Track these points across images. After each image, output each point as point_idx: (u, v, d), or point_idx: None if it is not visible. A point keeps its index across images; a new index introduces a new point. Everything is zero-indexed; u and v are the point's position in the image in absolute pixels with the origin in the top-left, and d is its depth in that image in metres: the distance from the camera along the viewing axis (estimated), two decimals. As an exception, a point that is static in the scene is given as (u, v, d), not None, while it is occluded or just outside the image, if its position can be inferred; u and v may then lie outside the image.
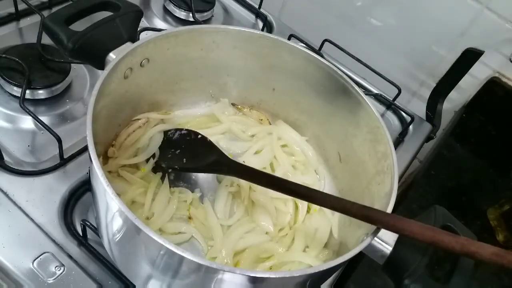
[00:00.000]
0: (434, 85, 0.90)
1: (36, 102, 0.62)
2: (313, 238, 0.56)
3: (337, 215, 0.58)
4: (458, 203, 0.82)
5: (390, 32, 0.93)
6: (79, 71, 0.69)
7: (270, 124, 0.68)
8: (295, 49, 0.59)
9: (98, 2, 0.53)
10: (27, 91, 0.60)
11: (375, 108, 0.54)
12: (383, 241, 0.44)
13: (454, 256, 0.44)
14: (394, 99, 0.85)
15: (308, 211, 0.59)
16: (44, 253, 0.49)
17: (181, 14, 0.85)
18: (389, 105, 0.86)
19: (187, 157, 0.57)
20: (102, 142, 0.55)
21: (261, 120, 0.68)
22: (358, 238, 0.47)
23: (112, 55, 0.49)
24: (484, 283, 0.73)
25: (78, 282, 0.48)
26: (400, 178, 0.74)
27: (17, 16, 0.72)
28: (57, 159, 0.57)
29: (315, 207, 0.59)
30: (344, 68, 0.87)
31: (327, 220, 0.58)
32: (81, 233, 0.52)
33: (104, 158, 0.56)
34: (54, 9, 0.72)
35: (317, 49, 0.86)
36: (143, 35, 0.70)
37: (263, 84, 0.65)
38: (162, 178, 0.56)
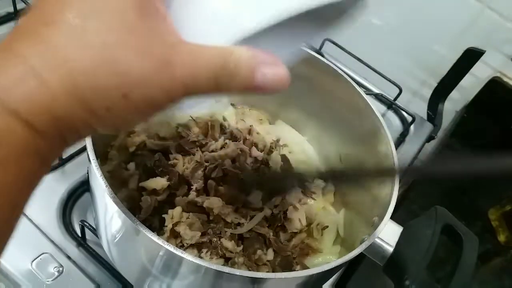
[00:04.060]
0: (435, 84, 0.89)
1: (35, 102, 0.62)
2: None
3: (342, 212, 0.58)
4: (459, 204, 0.82)
5: (391, 32, 0.92)
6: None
7: (270, 124, 0.67)
8: (295, 49, 0.58)
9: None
10: (26, 91, 0.60)
11: (376, 107, 0.54)
12: (384, 242, 0.44)
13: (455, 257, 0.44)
14: (395, 99, 0.85)
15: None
16: (43, 254, 0.49)
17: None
18: (390, 105, 0.86)
19: None
20: (101, 142, 0.54)
21: (261, 120, 0.67)
22: (362, 237, 0.47)
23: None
24: (485, 284, 0.72)
25: (77, 283, 0.48)
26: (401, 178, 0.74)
27: (15, 15, 0.72)
28: (56, 159, 0.57)
29: (318, 206, 0.58)
30: (344, 67, 0.87)
31: (332, 217, 0.58)
32: (79, 234, 0.52)
33: (103, 158, 0.56)
34: (53, 9, 0.72)
35: (318, 48, 0.86)
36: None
37: (263, 83, 0.64)
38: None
